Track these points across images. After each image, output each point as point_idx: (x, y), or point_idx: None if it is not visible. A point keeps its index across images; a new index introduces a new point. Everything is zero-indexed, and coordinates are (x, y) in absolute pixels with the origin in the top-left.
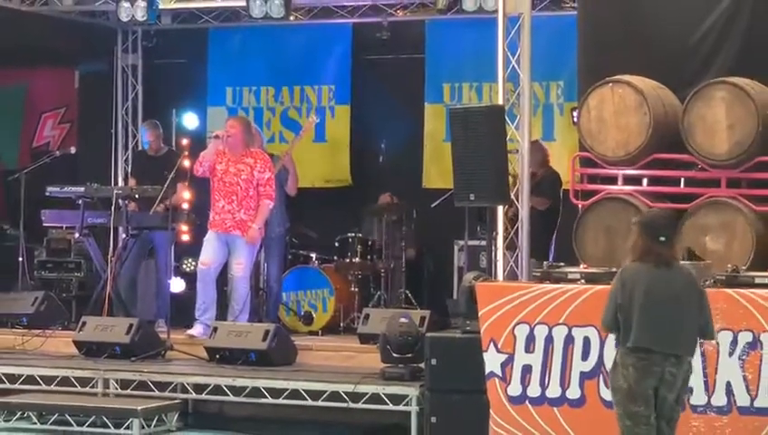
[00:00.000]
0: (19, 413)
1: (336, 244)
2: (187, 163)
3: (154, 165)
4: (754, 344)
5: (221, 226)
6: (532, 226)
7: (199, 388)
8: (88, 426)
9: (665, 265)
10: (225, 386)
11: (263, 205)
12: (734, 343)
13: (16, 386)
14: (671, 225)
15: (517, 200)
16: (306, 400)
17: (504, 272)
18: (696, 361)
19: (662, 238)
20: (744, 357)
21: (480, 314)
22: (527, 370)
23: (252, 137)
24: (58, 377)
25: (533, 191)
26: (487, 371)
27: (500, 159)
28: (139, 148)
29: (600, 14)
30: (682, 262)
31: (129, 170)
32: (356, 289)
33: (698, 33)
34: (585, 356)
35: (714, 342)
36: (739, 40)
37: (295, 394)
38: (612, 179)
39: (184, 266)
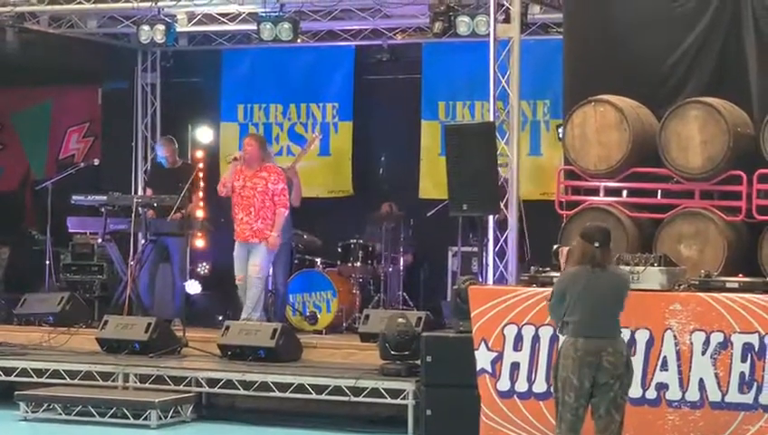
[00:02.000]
0: (45, 405)
1: (339, 249)
2: (201, 174)
3: (169, 177)
4: (725, 344)
5: (242, 236)
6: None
7: (212, 382)
8: (109, 417)
9: (599, 266)
10: (236, 380)
11: (278, 213)
12: (707, 343)
13: (43, 380)
14: (605, 234)
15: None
16: (311, 393)
17: (494, 276)
18: (671, 359)
19: (596, 244)
20: (715, 356)
21: (472, 315)
22: (515, 367)
23: (267, 153)
24: (81, 371)
25: None
26: (478, 367)
27: (491, 172)
28: (153, 161)
29: (584, 39)
30: (657, 267)
31: (146, 181)
32: (357, 291)
33: (674, 56)
34: None
35: None
36: (711, 63)
37: (301, 388)
38: (594, 191)
39: (198, 270)
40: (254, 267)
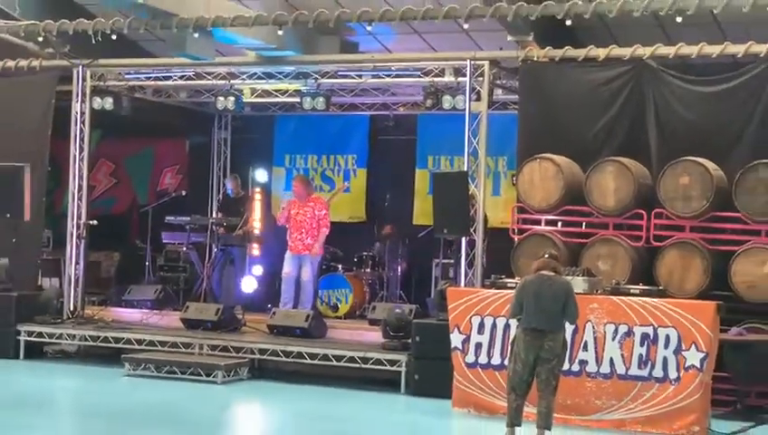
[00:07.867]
0: (143, 365)
1: (355, 259)
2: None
3: (234, 204)
4: (629, 333)
5: (295, 249)
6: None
7: (262, 351)
8: (188, 374)
9: (548, 277)
10: (280, 350)
11: (322, 232)
12: (616, 332)
13: (142, 347)
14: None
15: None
16: (332, 361)
17: (464, 281)
18: (591, 343)
19: (546, 255)
20: (621, 341)
21: (449, 308)
22: (479, 346)
23: (310, 188)
24: (169, 342)
25: None
26: (452, 346)
27: (464, 207)
28: (224, 193)
29: (533, 114)
30: (581, 277)
31: (218, 207)
32: (367, 289)
33: (597, 127)
34: None
35: (573, 326)
36: (623, 133)
37: (325, 357)
38: (538, 222)
39: (254, 271)
40: (306, 273)
